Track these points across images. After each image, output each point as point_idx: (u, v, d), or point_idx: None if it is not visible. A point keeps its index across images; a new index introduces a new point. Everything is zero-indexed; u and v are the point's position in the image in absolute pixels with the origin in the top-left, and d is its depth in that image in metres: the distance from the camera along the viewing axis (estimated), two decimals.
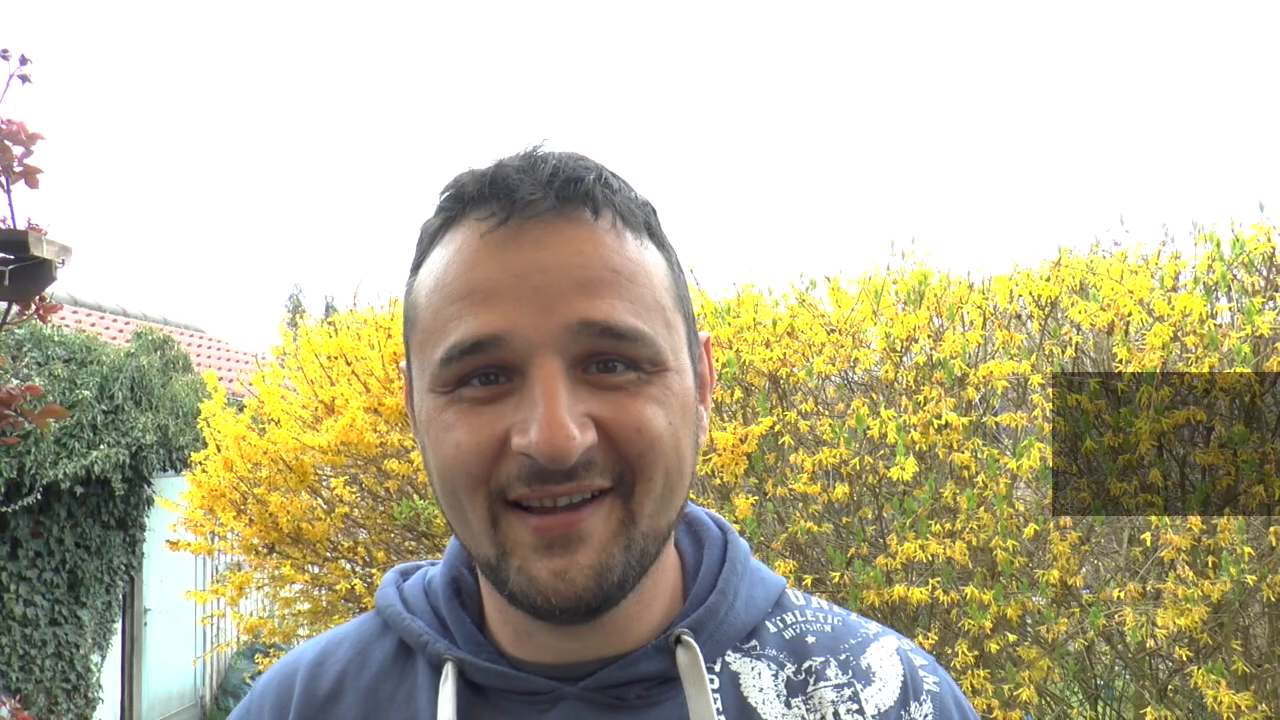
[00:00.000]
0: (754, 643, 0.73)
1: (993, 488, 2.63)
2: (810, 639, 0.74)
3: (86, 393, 6.25)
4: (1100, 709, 2.96)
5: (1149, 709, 2.55)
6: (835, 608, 0.79)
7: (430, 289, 0.66)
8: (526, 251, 0.63)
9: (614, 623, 0.69)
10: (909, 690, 0.73)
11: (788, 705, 0.70)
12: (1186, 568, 2.40)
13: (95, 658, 7.05)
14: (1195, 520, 2.38)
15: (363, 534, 3.95)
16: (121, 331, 9.08)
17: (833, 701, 0.70)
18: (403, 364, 0.73)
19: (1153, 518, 2.42)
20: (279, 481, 3.78)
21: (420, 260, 0.69)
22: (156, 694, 8.15)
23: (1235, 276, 2.70)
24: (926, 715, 0.72)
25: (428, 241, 0.69)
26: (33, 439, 5.89)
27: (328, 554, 3.90)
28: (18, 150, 2.45)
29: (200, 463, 4.13)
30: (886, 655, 0.75)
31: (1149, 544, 2.45)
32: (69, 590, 6.75)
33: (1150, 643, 2.38)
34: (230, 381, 8.77)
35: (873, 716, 0.71)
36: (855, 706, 0.70)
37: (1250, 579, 2.35)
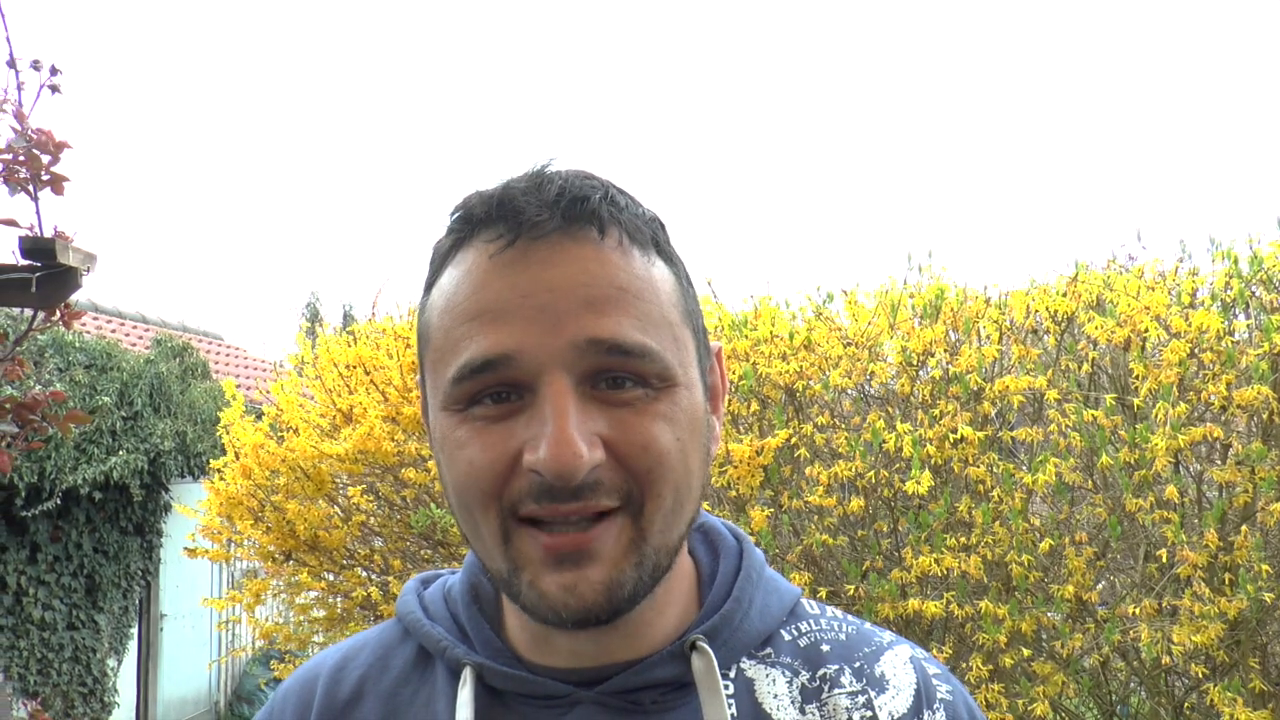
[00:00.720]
0: (769, 650, 0.74)
1: (1008, 502, 2.63)
2: (825, 647, 0.75)
3: (106, 399, 6.31)
4: None
5: None
6: (850, 617, 0.79)
7: (442, 309, 0.67)
8: (534, 271, 0.64)
9: (629, 628, 0.70)
10: (922, 698, 0.73)
11: (802, 712, 0.71)
12: (1203, 584, 2.39)
13: (112, 662, 7.10)
14: (1212, 537, 2.37)
15: (379, 542, 3.98)
16: (141, 338, 9.15)
17: (847, 708, 0.71)
18: (419, 378, 0.74)
19: (1169, 534, 2.41)
20: (296, 489, 3.81)
21: (433, 280, 0.70)
22: (171, 698, 8.20)
23: (1253, 293, 2.69)
24: None
25: (439, 262, 0.70)
26: (53, 444, 5.95)
27: (344, 561, 3.93)
28: (45, 159, 2.48)
29: (219, 470, 4.17)
30: (900, 663, 0.75)
31: (1165, 560, 2.44)
32: (87, 595, 6.81)
33: (1166, 659, 2.37)
34: (248, 389, 8.85)
35: None
36: (869, 714, 0.71)
37: (1268, 596, 2.33)
